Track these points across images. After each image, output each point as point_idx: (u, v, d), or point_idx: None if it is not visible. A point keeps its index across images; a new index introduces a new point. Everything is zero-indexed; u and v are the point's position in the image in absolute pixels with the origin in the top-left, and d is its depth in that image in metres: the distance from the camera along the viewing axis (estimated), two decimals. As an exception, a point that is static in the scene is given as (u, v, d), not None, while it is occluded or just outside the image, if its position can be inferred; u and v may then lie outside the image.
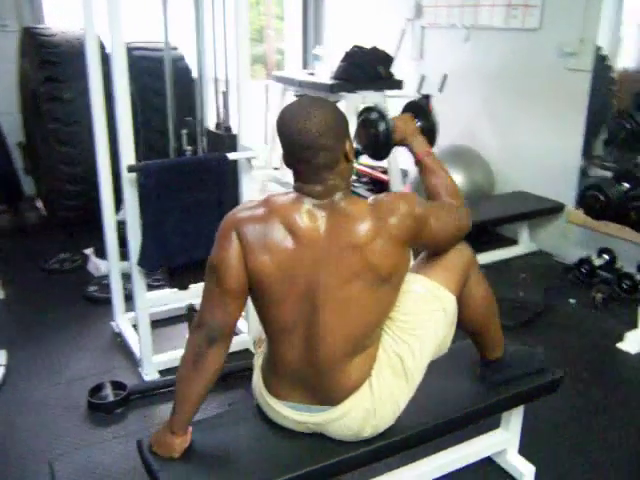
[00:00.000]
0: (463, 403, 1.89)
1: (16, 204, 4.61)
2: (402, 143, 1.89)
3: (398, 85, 4.27)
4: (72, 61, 4.03)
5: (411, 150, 1.87)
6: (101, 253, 3.72)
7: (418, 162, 1.86)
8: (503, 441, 2.16)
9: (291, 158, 1.56)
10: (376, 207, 1.56)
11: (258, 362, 1.77)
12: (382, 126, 1.89)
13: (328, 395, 1.62)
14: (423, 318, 1.69)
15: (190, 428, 1.64)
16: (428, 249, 1.78)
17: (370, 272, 1.53)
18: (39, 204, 4.76)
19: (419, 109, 2.04)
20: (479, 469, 2.17)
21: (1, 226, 4.56)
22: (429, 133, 1.99)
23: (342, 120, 1.56)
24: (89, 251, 3.88)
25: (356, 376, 1.62)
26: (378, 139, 1.90)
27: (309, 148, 1.50)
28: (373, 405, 1.63)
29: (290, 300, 1.54)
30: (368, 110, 1.97)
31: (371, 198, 1.61)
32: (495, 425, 2.17)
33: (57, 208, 4.38)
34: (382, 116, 1.90)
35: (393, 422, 1.70)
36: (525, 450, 2.19)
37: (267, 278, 1.52)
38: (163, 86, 4.08)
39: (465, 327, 1.86)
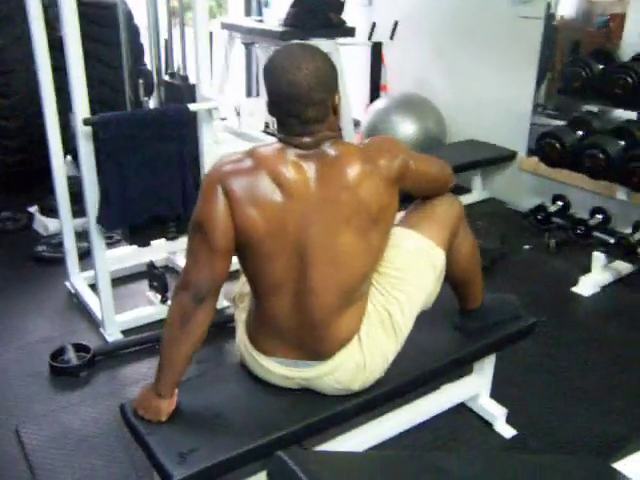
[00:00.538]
0: (444, 352, 1.91)
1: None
2: None
3: (350, 32, 4.19)
4: (1, 4, 3.76)
5: None
6: (47, 211, 3.57)
7: None
8: (476, 386, 2.21)
9: (278, 110, 1.50)
10: (364, 149, 1.55)
11: (241, 317, 1.74)
12: None
13: (318, 350, 1.61)
14: (412, 274, 1.68)
15: (176, 390, 1.60)
16: (416, 192, 1.74)
17: (360, 212, 1.51)
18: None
19: None
20: (452, 414, 2.21)
21: None
22: None
23: (333, 72, 1.51)
24: (34, 209, 3.69)
25: (346, 330, 1.60)
26: None
27: (299, 102, 1.45)
28: (363, 359, 1.62)
29: (280, 255, 1.50)
30: None
31: (358, 142, 1.59)
32: (466, 371, 2.22)
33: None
34: None
35: (382, 375, 1.70)
36: (496, 394, 2.25)
37: (256, 233, 1.47)
38: (103, 33, 3.86)
39: (450, 279, 1.86)
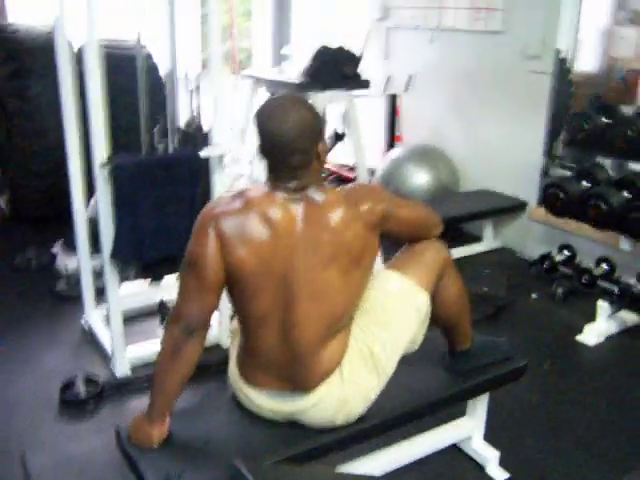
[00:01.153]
0: (431, 391, 1.97)
1: (-21, 201, 4.54)
2: None
3: (365, 85, 4.34)
4: (37, 57, 4.01)
5: None
6: (69, 249, 3.71)
7: None
8: (469, 428, 2.24)
9: (266, 154, 1.62)
10: (348, 195, 1.66)
11: (233, 352, 1.82)
12: None
13: (301, 381, 1.68)
14: (395, 315, 1.76)
15: (167, 418, 1.67)
16: (399, 236, 1.81)
17: (342, 254, 1.61)
18: (2, 201, 4.69)
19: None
20: (445, 455, 2.24)
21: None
22: None
23: (317, 123, 1.63)
24: (56, 247, 3.85)
25: (328, 362, 1.68)
26: None
27: (284, 149, 1.57)
28: (344, 394, 1.69)
29: (267, 290, 1.60)
30: None
31: (342, 187, 1.70)
32: (461, 413, 2.26)
33: (22, 204, 4.35)
34: None
35: (364, 411, 1.76)
36: (490, 437, 2.27)
37: (245, 271, 1.57)
38: (129, 84, 4.07)
39: (438, 322, 1.93)
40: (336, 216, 1.59)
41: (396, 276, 1.80)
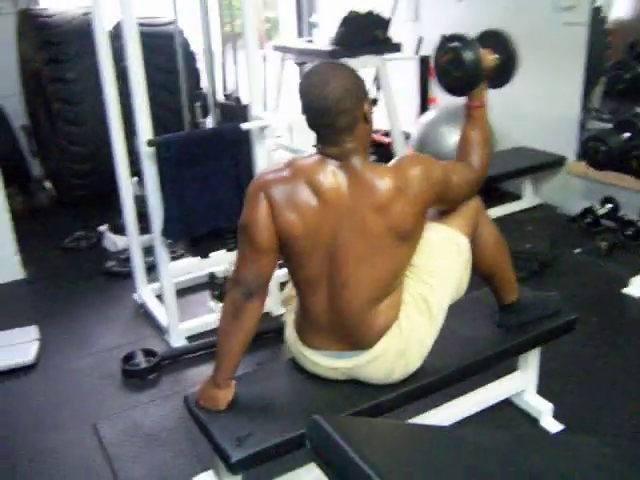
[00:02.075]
0: (484, 347, 2.01)
1: (25, 186, 4.67)
2: None
3: (396, 48, 4.32)
4: (73, 41, 4.08)
5: (470, 94, 1.90)
6: (116, 229, 3.82)
7: (469, 110, 1.90)
8: (522, 382, 2.28)
9: (312, 122, 1.66)
10: (396, 174, 1.66)
11: (289, 317, 1.89)
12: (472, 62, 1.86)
13: (358, 340, 1.75)
14: (440, 262, 1.82)
15: (233, 382, 1.75)
16: (441, 208, 1.88)
17: (390, 234, 1.66)
18: (47, 185, 4.82)
19: (497, 42, 1.98)
20: (499, 410, 2.29)
21: (13, 208, 4.61)
22: (507, 69, 1.98)
23: (359, 83, 1.65)
24: (104, 228, 3.96)
25: (383, 321, 1.73)
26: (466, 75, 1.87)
27: (328, 113, 1.60)
28: (403, 345, 1.75)
29: (315, 255, 1.66)
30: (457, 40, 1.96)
31: (391, 163, 1.71)
32: (513, 368, 2.30)
33: (66, 187, 4.46)
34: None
35: (421, 363, 1.82)
36: (542, 391, 2.31)
37: (294, 235, 1.64)
38: (164, 61, 4.12)
39: (479, 271, 1.97)
40: (382, 197, 1.62)
41: (435, 226, 1.85)
